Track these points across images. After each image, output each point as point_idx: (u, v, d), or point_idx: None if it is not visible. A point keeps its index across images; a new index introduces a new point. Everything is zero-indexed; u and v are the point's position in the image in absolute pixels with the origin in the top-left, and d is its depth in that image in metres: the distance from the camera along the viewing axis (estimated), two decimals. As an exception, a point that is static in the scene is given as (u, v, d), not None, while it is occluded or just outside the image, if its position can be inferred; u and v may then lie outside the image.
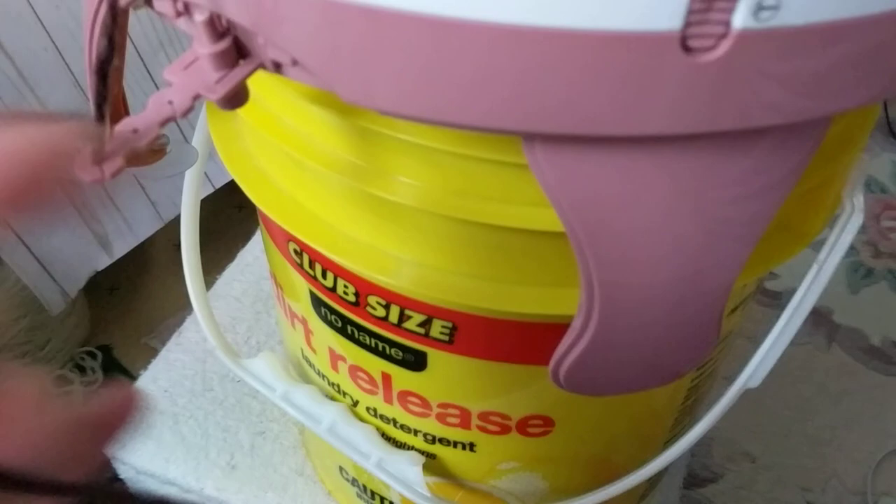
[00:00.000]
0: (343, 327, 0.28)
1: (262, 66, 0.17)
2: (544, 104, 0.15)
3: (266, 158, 0.26)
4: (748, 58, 0.15)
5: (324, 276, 0.27)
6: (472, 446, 0.30)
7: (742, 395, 0.29)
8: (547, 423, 0.29)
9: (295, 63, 0.17)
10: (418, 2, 0.14)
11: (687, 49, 0.15)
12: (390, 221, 0.23)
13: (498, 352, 0.26)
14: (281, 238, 0.28)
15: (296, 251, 0.28)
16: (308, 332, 0.31)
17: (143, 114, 0.17)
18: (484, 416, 0.29)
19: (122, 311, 0.93)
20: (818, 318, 0.88)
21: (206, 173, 0.80)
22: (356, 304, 0.27)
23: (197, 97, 0.17)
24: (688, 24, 0.14)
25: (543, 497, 0.32)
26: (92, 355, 0.86)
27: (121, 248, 0.77)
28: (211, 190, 0.78)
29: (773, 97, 0.16)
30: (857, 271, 0.93)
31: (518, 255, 0.22)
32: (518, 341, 0.25)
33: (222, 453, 0.43)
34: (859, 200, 0.24)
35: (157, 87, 0.70)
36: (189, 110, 0.17)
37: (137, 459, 0.43)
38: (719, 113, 0.16)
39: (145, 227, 0.77)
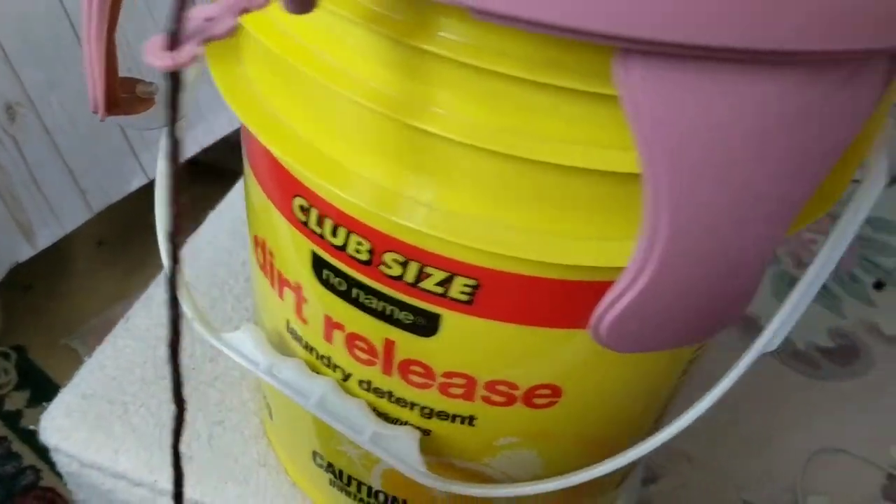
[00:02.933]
0: (348, 290, 0.27)
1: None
2: (664, 7, 0.15)
3: (281, 100, 0.24)
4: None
5: (334, 233, 0.25)
6: (471, 420, 0.29)
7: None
8: (555, 392, 0.28)
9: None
10: None
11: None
12: (422, 162, 0.22)
13: (522, 314, 0.25)
14: (284, 195, 0.27)
15: (302, 208, 0.26)
16: (301, 301, 0.29)
17: (220, 1, 0.15)
18: (490, 387, 0.28)
19: (38, 311, 0.87)
20: (748, 324, 0.91)
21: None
22: (368, 262, 0.25)
23: (245, 10, 0.15)
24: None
25: (535, 476, 0.31)
26: (5, 356, 0.80)
27: (45, 239, 0.72)
28: (148, 180, 0.75)
29: (854, 21, 0.15)
30: (782, 280, 0.97)
31: (567, 201, 0.21)
32: (547, 301, 0.24)
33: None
34: (883, 163, 0.25)
35: None
36: (231, 31, 0.15)
37: (83, 451, 0.40)
38: (839, 31, 0.15)
39: (73, 217, 0.73)
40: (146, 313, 0.46)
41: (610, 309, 0.21)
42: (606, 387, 0.29)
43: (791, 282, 0.98)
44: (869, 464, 0.81)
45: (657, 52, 0.16)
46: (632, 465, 0.37)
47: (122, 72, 0.28)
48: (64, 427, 0.40)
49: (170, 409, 0.41)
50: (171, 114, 0.15)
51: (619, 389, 0.29)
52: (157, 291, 0.47)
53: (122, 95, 0.28)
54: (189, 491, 0.39)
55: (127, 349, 0.44)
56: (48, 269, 0.89)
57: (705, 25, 0.15)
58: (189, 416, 0.41)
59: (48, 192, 0.70)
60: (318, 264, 0.27)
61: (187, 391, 0.39)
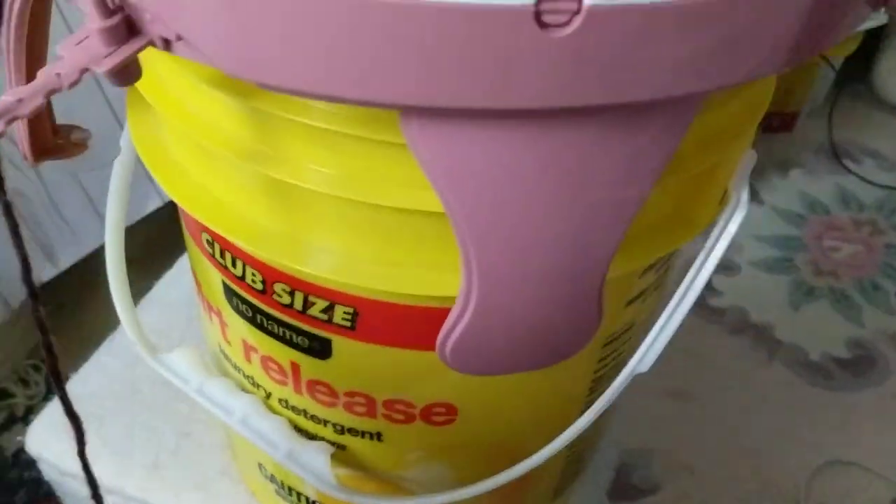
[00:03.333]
0: (253, 317, 0.29)
1: (151, 42, 0.18)
2: (410, 77, 0.16)
3: (179, 148, 0.26)
4: (602, 35, 0.16)
5: (233, 264, 0.28)
6: (379, 436, 0.31)
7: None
8: (450, 410, 0.29)
9: (179, 38, 0.18)
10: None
11: (542, 24, 0.16)
12: (294, 206, 0.24)
13: (398, 338, 0.27)
14: (195, 229, 0.29)
15: (208, 241, 0.28)
16: (223, 325, 0.32)
17: (31, 84, 0.17)
18: (389, 405, 0.29)
19: (70, 325, 0.92)
20: (759, 333, 0.90)
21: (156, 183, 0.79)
22: (263, 291, 0.27)
23: (84, 70, 0.18)
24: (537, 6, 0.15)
25: (451, 486, 0.33)
26: (36, 368, 0.85)
27: (67, 259, 0.76)
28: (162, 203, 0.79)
29: (629, 74, 0.17)
30: (798, 289, 0.96)
31: (412, 237, 0.23)
32: (416, 327, 0.26)
33: (146, 454, 0.43)
34: (744, 193, 0.26)
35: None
36: (75, 83, 0.18)
37: (61, 461, 0.43)
38: (579, 88, 0.17)
39: (92, 238, 0.77)
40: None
41: (449, 336, 0.22)
42: (504, 403, 0.30)
43: (809, 290, 0.97)
44: (880, 478, 0.79)
45: (427, 111, 0.18)
46: (562, 476, 0.38)
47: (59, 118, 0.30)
48: (45, 439, 0.44)
49: (141, 422, 0.44)
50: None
51: (517, 407, 0.31)
52: (141, 312, 0.50)
53: (58, 141, 0.30)
54: (154, 497, 0.42)
55: (108, 366, 0.47)
56: (80, 284, 0.94)
57: (446, 89, 0.16)
58: (158, 427, 0.44)
59: (68, 215, 0.74)
60: (228, 292, 0.30)
61: (158, 404, 0.42)
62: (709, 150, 0.24)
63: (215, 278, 0.30)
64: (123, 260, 0.34)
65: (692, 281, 0.26)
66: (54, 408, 0.45)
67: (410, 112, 0.18)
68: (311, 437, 0.32)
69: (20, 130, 0.28)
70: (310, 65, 0.16)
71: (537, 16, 0.15)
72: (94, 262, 0.89)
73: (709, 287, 0.97)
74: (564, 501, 0.42)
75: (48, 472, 0.44)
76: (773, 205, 1.09)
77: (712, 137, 0.24)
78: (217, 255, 0.28)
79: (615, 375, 0.33)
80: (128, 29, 0.18)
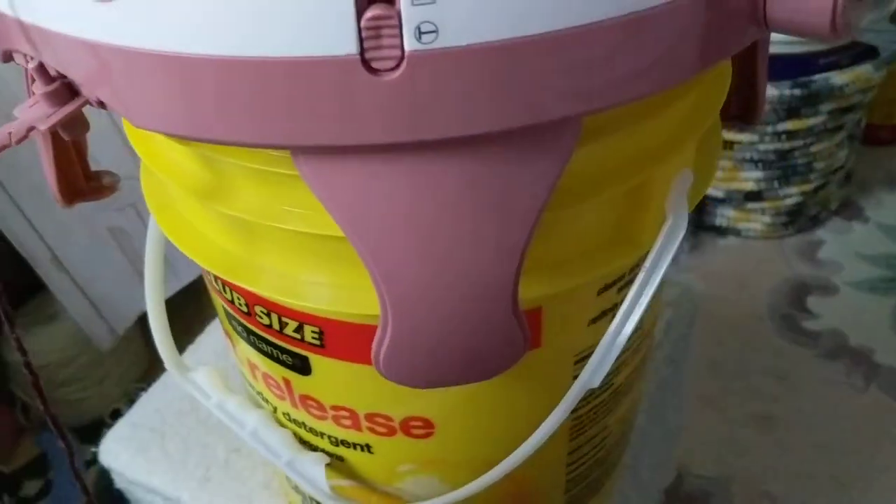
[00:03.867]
0: (248, 337, 0.32)
1: (88, 102, 0.22)
2: (276, 121, 0.19)
3: (169, 190, 0.30)
4: (428, 76, 0.18)
5: (224, 290, 0.31)
6: (368, 448, 0.33)
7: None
8: (427, 424, 0.31)
9: (101, 102, 0.21)
10: (153, 41, 0.18)
11: (373, 70, 0.18)
12: (250, 236, 0.27)
13: (361, 355, 0.29)
14: (198, 259, 0.32)
15: (205, 269, 0.32)
16: (234, 346, 0.35)
17: (13, 121, 0.21)
18: (370, 418, 0.31)
19: (179, 348, 1.00)
20: (857, 358, 0.86)
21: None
22: (248, 314, 0.30)
23: (31, 129, 0.21)
24: (364, 49, 0.17)
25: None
26: (145, 391, 0.93)
27: (189, 274, 0.83)
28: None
29: (468, 107, 0.19)
30: (902, 312, 0.90)
31: (356, 261, 0.25)
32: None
33: (199, 466, 0.47)
34: (682, 214, 0.26)
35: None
36: (22, 139, 0.21)
37: (126, 471, 0.48)
38: (420, 124, 0.19)
39: (189, 271, 0.84)
40: (195, 351, 0.53)
41: (379, 350, 0.24)
42: (480, 417, 0.32)
43: (915, 314, 0.91)
44: None
45: (307, 149, 0.20)
46: (570, 499, 0.39)
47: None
48: (114, 450, 0.49)
49: (196, 437, 0.48)
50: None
51: (496, 419, 0.32)
52: (206, 338, 0.55)
53: (91, 184, 0.35)
54: (203, 507, 0.45)
55: (172, 386, 0.51)
56: (186, 310, 1.02)
57: (306, 130, 0.19)
58: (211, 443, 0.48)
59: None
60: (228, 316, 0.33)
61: (213, 421, 0.46)
62: (636, 167, 0.25)
63: (218, 303, 0.33)
64: (162, 283, 0.37)
65: (635, 300, 0.27)
66: (123, 424, 0.50)
67: (296, 152, 0.20)
68: (313, 448, 0.35)
69: (49, 175, 0.32)
70: (195, 116, 0.19)
71: (366, 63, 0.17)
72: (199, 288, 0.97)
73: (803, 309, 0.93)
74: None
75: (118, 481, 0.49)
76: (878, 222, 1.03)
77: (640, 155, 0.25)
78: (214, 282, 0.32)
79: (597, 392, 0.34)
80: (69, 92, 0.21)
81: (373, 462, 0.34)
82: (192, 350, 0.54)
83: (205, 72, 0.18)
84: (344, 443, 0.33)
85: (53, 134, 0.30)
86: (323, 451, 0.35)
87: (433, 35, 0.17)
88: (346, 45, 0.17)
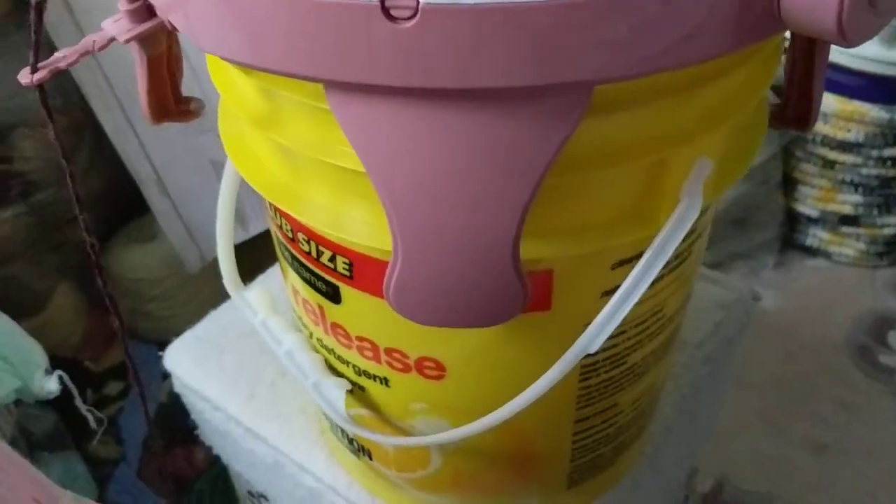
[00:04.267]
0: (292, 262, 0.35)
1: (163, 24, 0.25)
2: (309, 56, 0.21)
3: (240, 125, 0.33)
4: (440, 28, 0.20)
5: (276, 216, 0.34)
6: (386, 381, 0.36)
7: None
8: (439, 367, 0.34)
9: (173, 27, 0.24)
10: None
11: (391, 18, 0.20)
12: (299, 167, 0.30)
13: (382, 289, 0.31)
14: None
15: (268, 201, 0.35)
16: (284, 273, 0.38)
17: (73, 47, 0.24)
18: (388, 353, 0.34)
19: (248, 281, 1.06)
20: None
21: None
22: (293, 239, 0.33)
23: (112, 39, 0.25)
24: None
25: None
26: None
27: (256, 227, 0.88)
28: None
29: (479, 62, 0.21)
30: None
31: (374, 198, 0.28)
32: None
33: (248, 384, 0.51)
34: (696, 200, 0.27)
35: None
36: (104, 47, 0.25)
37: (185, 377, 0.52)
38: (433, 72, 0.21)
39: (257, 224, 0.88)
40: (261, 282, 0.57)
41: (389, 282, 0.27)
42: (490, 368, 0.34)
43: None
44: None
45: (338, 85, 0.22)
46: (575, 467, 0.41)
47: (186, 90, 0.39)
48: (178, 357, 0.53)
49: (250, 357, 0.52)
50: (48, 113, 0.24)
51: (505, 372, 0.34)
52: (271, 274, 0.58)
53: (180, 108, 0.39)
54: (246, 420, 0.49)
55: (258, 292, 0.55)
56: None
57: (342, 68, 0.21)
58: (262, 364, 0.52)
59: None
60: (279, 243, 0.36)
61: (267, 346, 0.50)
62: (651, 146, 0.26)
63: (274, 232, 0.36)
64: (232, 208, 0.41)
65: (640, 275, 0.28)
66: (190, 334, 0.55)
67: (327, 86, 0.23)
68: (339, 375, 0.38)
69: (140, 91, 0.36)
70: (253, 46, 0.22)
71: (385, 11, 0.20)
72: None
73: (883, 342, 0.90)
74: (586, 496, 0.44)
75: (176, 385, 0.54)
76: None
77: (657, 135, 0.26)
78: (269, 210, 0.35)
79: (608, 366, 0.35)
80: (147, 12, 0.25)
81: (389, 395, 0.36)
82: (259, 280, 0.58)
83: (255, 5, 0.21)
84: (365, 373, 0.36)
85: (150, 56, 0.33)
86: (347, 378, 0.38)
87: (449, -8, 0.19)
88: (370, -7, 0.20)
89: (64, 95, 0.89)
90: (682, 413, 0.49)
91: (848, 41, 0.21)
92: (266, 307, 0.40)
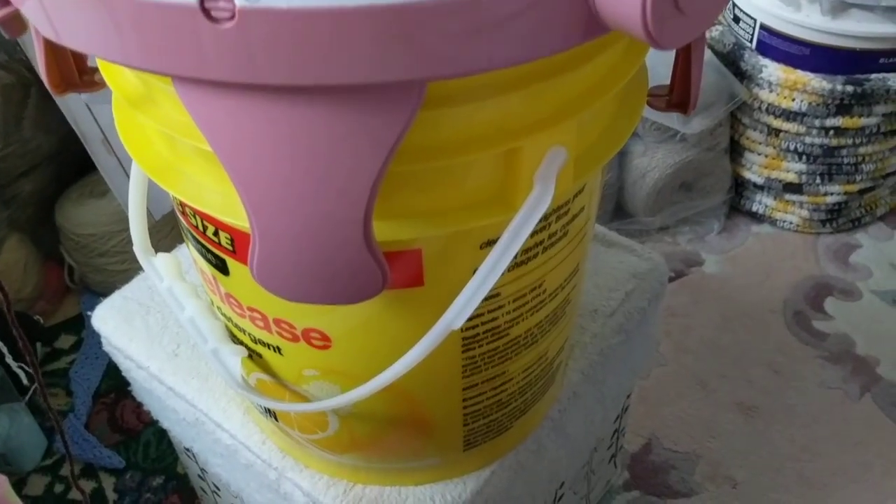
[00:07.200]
0: (188, 233, 0.36)
1: (17, 9, 0.25)
2: (145, 52, 0.22)
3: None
4: (259, 29, 0.21)
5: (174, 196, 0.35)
6: (279, 350, 0.37)
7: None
8: (324, 338, 0.35)
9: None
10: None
11: (212, 19, 0.21)
12: (176, 143, 0.31)
13: (263, 264, 0.32)
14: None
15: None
16: (186, 241, 0.39)
17: None
18: (277, 323, 0.35)
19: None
20: (860, 366, 0.85)
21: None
22: (183, 213, 0.35)
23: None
24: (202, 3, 0.20)
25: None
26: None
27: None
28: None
29: (292, 61, 0.21)
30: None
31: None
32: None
33: (170, 344, 0.52)
34: (549, 185, 0.29)
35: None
36: None
37: (112, 337, 0.54)
38: (258, 69, 0.22)
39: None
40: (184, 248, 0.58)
41: (252, 258, 0.28)
42: (372, 337, 0.35)
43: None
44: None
45: (181, 79, 0.23)
46: (469, 431, 0.42)
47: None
48: (105, 317, 0.55)
49: (175, 318, 0.53)
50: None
51: (386, 341, 0.35)
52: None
53: (84, 78, 0.39)
54: (168, 379, 0.51)
55: (167, 258, 0.57)
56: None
57: (167, 62, 0.22)
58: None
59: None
60: (176, 215, 0.37)
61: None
62: (499, 137, 0.27)
63: (176, 205, 0.37)
64: (145, 178, 0.41)
65: (499, 256, 0.29)
66: (117, 295, 0.56)
67: (174, 78, 0.24)
68: (238, 342, 0.39)
69: (40, 68, 0.37)
70: (90, 41, 0.23)
71: (206, 12, 0.21)
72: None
73: (819, 308, 0.92)
74: (485, 455, 0.46)
75: (104, 344, 0.55)
76: (924, 234, 1.00)
77: (504, 126, 0.27)
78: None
79: (490, 337, 0.37)
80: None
81: (283, 362, 0.38)
82: (180, 248, 0.59)
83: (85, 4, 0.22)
84: (260, 342, 0.38)
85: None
86: (246, 346, 0.39)
87: (259, -5, 0.20)
88: (190, -6, 0.20)
89: (7, 52, 0.88)
90: (589, 380, 0.51)
91: (657, 43, 0.22)
92: (172, 273, 0.42)
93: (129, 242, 0.93)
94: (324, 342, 0.35)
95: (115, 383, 0.87)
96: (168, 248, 0.55)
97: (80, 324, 0.96)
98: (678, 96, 0.36)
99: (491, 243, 0.32)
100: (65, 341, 0.93)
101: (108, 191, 0.92)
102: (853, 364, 0.86)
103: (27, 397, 0.72)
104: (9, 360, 0.60)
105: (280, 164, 0.25)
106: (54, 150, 0.94)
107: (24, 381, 0.61)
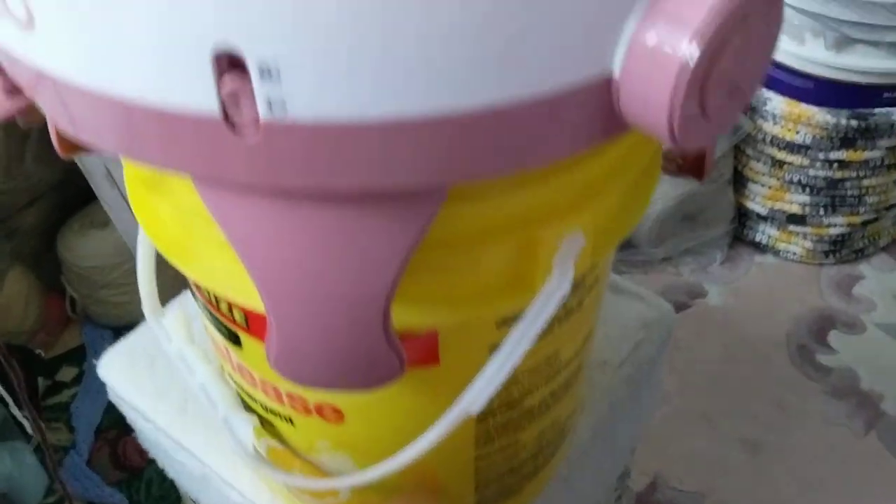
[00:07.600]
0: (201, 305, 0.36)
1: (31, 102, 0.25)
2: (175, 156, 0.22)
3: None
4: (284, 141, 0.20)
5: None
6: (291, 420, 0.37)
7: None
8: (337, 412, 0.35)
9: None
10: (68, 69, 0.21)
11: (237, 131, 0.21)
12: (187, 224, 0.30)
13: (277, 343, 0.32)
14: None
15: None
16: (199, 309, 0.39)
17: None
18: (290, 396, 0.35)
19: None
20: (864, 401, 0.85)
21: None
22: (196, 284, 0.34)
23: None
24: (226, 114, 0.20)
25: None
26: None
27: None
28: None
29: (317, 170, 0.21)
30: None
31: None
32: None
33: (178, 397, 0.52)
34: (567, 270, 0.28)
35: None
36: None
37: (118, 387, 0.53)
38: (282, 175, 0.21)
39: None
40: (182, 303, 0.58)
41: (269, 350, 0.28)
42: (386, 415, 0.35)
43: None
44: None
45: (203, 181, 0.23)
46: (482, 497, 0.42)
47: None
48: (111, 366, 0.54)
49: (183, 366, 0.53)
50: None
51: (400, 419, 0.35)
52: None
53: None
54: (174, 432, 0.50)
55: (176, 317, 0.56)
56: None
57: (203, 168, 0.22)
58: (192, 377, 0.53)
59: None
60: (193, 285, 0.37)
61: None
62: (517, 228, 0.27)
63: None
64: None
65: (517, 341, 0.29)
66: (124, 343, 0.55)
67: (196, 182, 0.23)
68: (249, 409, 0.39)
69: (50, 130, 0.36)
70: (118, 138, 0.23)
71: (232, 126, 0.20)
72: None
73: (822, 342, 0.92)
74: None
75: (110, 394, 0.55)
76: (928, 266, 1.00)
77: (521, 218, 0.27)
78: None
79: (505, 410, 0.37)
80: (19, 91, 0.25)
81: (295, 433, 0.38)
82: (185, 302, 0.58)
83: (113, 109, 0.21)
84: (272, 412, 0.37)
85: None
86: (257, 414, 0.39)
87: (283, 108, 0.20)
88: (209, 106, 0.20)
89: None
90: (599, 436, 0.51)
91: (678, 144, 0.22)
92: (182, 336, 0.41)
93: (132, 274, 0.92)
94: (336, 416, 0.35)
95: (117, 418, 0.86)
96: (168, 284, 0.55)
97: (81, 355, 0.95)
98: (692, 162, 0.36)
99: (507, 321, 0.32)
100: (66, 373, 0.93)
101: (109, 222, 0.91)
102: (857, 399, 0.86)
103: (31, 441, 0.71)
104: (14, 411, 0.60)
105: (300, 262, 0.24)
106: (56, 181, 0.94)
107: (30, 431, 0.60)
